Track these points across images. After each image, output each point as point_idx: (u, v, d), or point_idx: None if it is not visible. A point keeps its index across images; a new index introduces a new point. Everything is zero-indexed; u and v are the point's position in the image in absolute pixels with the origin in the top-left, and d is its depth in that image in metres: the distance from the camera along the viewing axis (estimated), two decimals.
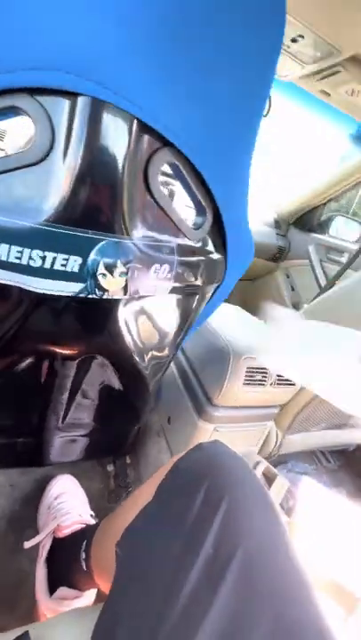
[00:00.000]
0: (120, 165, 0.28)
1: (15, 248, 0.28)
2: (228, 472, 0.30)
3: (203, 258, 0.41)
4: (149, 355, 0.49)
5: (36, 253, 0.29)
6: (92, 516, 0.61)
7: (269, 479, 0.69)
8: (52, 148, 0.27)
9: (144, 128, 0.28)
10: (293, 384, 0.64)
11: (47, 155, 0.27)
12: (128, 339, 0.43)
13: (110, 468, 0.84)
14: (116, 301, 0.37)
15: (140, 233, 0.32)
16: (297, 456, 1.08)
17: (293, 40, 0.66)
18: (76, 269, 0.31)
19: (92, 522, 0.58)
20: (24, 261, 0.29)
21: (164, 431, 0.77)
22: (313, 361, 0.46)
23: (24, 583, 0.58)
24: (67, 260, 0.30)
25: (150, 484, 0.38)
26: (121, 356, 0.45)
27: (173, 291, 0.40)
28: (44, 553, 0.55)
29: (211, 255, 0.42)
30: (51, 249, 0.29)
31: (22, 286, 0.31)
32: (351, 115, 0.93)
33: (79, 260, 0.30)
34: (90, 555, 0.46)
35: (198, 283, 0.42)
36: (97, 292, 0.33)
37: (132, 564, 0.29)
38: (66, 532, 0.55)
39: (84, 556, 0.47)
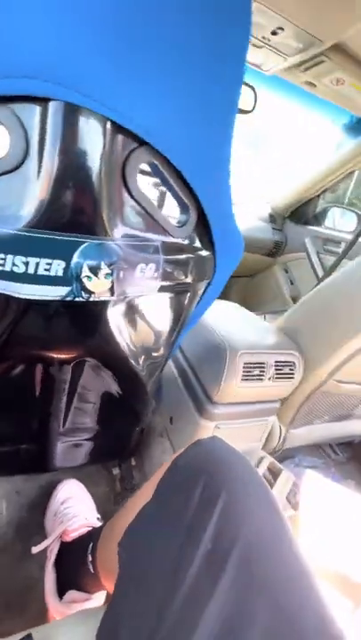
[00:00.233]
0: (96, 167, 0.28)
1: None
2: (225, 467, 0.30)
3: (191, 255, 0.41)
4: (144, 355, 0.49)
5: (19, 259, 0.29)
6: (98, 519, 0.61)
7: (274, 474, 0.68)
8: (27, 154, 0.27)
9: (118, 129, 0.28)
10: (292, 377, 0.63)
11: (23, 161, 0.27)
12: (121, 340, 0.43)
13: (116, 471, 0.84)
14: (105, 303, 0.37)
15: (121, 233, 0.32)
16: (304, 450, 1.07)
17: (274, 33, 0.66)
18: (60, 273, 0.31)
19: (99, 525, 0.59)
20: (7, 268, 0.29)
21: (167, 431, 0.77)
22: None
23: (33, 589, 0.58)
24: (50, 264, 0.30)
25: (151, 482, 0.38)
26: (115, 358, 0.45)
27: (162, 289, 0.40)
28: (52, 557, 0.55)
29: (199, 252, 0.42)
30: (33, 254, 0.29)
31: (8, 293, 0.31)
32: (338, 104, 0.92)
33: (62, 263, 0.31)
34: (96, 557, 0.46)
35: (188, 280, 0.42)
36: (83, 295, 0.33)
37: (133, 564, 0.29)
38: (73, 535, 0.55)
39: (90, 558, 0.47)
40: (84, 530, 0.56)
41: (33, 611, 0.56)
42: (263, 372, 0.60)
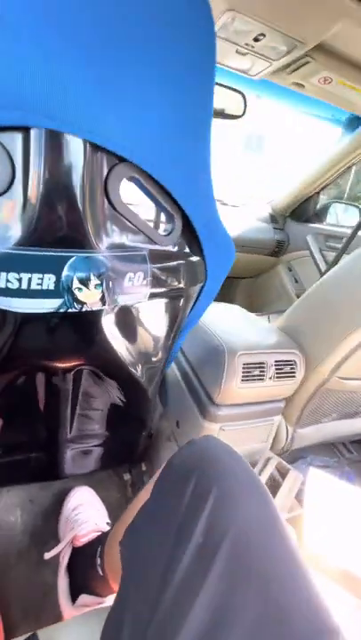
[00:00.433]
0: (79, 185, 0.30)
1: None
2: (217, 463, 0.31)
3: (182, 261, 0.42)
4: (142, 360, 0.50)
5: (12, 276, 0.31)
6: (108, 524, 0.62)
7: (282, 474, 0.68)
8: (13, 178, 0.29)
9: (98, 148, 0.30)
10: (294, 376, 0.63)
11: (10, 185, 0.29)
12: (118, 346, 0.44)
13: (127, 476, 0.86)
14: (99, 312, 0.38)
15: (107, 245, 0.34)
16: (317, 450, 1.06)
17: (256, 39, 0.67)
18: (51, 287, 0.33)
19: (108, 529, 0.60)
20: (2, 284, 0.31)
21: (174, 435, 0.78)
22: None
23: (48, 595, 0.59)
24: (41, 278, 0.32)
25: (151, 483, 0.39)
26: (114, 365, 0.47)
27: (153, 296, 0.41)
28: (64, 563, 0.57)
29: (190, 258, 0.43)
30: (25, 270, 0.31)
31: (4, 308, 0.33)
32: (329, 102, 0.92)
33: (53, 277, 0.32)
34: (104, 559, 0.47)
35: (181, 285, 0.44)
36: (76, 306, 0.35)
37: (133, 562, 0.30)
38: (83, 540, 0.57)
39: (99, 561, 0.48)
40: (94, 535, 0.57)
41: (49, 616, 0.58)
42: (263, 371, 0.60)
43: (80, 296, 0.34)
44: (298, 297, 1.49)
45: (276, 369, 0.61)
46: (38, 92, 0.25)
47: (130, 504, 0.43)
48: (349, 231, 1.44)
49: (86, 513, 0.64)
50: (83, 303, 0.35)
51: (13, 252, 0.30)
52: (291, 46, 0.69)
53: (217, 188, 0.40)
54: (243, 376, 0.58)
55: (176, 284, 0.43)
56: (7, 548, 0.65)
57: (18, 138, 0.27)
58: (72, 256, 0.32)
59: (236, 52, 0.73)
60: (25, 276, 0.31)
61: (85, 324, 0.39)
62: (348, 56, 0.72)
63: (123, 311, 0.41)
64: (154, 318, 0.47)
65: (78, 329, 0.40)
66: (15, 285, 0.32)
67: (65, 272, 0.32)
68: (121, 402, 0.57)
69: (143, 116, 0.29)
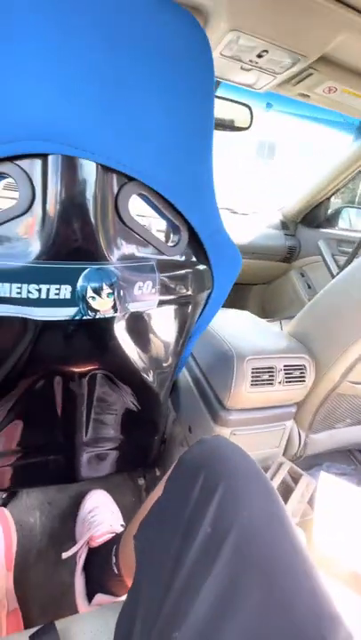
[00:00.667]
0: (91, 204, 0.33)
1: (15, 285, 0.34)
2: (225, 461, 0.32)
3: (190, 270, 0.45)
4: (153, 365, 0.52)
5: (33, 287, 0.34)
6: (122, 526, 0.64)
7: (295, 479, 0.68)
8: (33, 199, 0.32)
9: (108, 169, 0.33)
10: (303, 381, 0.64)
11: (30, 206, 0.32)
12: (130, 351, 0.47)
13: (141, 481, 0.87)
14: (112, 319, 0.41)
15: (118, 256, 0.37)
16: (332, 457, 1.04)
17: (259, 55, 0.70)
18: (68, 296, 0.36)
19: (122, 531, 0.61)
20: (24, 295, 0.34)
21: (187, 440, 0.79)
22: None
23: (66, 595, 0.61)
24: (59, 289, 0.35)
25: (162, 481, 0.41)
26: (126, 369, 0.49)
27: (163, 303, 0.43)
28: (80, 563, 0.58)
29: (197, 266, 0.46)
30: (44, 282, 0.34)
31: (26, 316, 0.36)
32: (335, 110, 0.94)
33: (69, 287, 0.35)
34: (119, 557, 0.49)
35: (189, 292, 0.46)
36: (90, 313, 0.38)
37: (146, 553, 0.32)
38: (98, 541, 0.58)
39: (114, 559, 0.50)
40: (109, 536, 0.59)
41: (65, 614, 0.59)
42: (273, 376, 0.61)
43: (94, 304, 0.37)
44: None
45: (286, 373, 0.62)
46: (56, 123, 0.28)
47: (144, 503, 0.45)
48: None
49: (102, 515, 0.66)
50: (96, 311, 0.38)
51: (34, 265, 0.33)
52: (294, 60, 0.72)
53: (227, 196, 0.42)
54: (252, 380, 0.59)
55: (184, 291, 0.45)
56: (27, 547, 0.68)
57: (37, 163, 0.31)
58: (86, 267, 0.35)
59: (241, 68, 0.76)
60: (44, 287, 0.34)
61: (99, 330, 0.42)
62: (352, 65, 0.74)
63: (133, 318, 0.44)
64: (163, 324, 0.49)
65: (92, 335, 0.43)
66: (35, 295, 0.35)
67: (80, 282, 0.35)
68: (134, 406, 0.59)
69: (149, 140, 0.32)
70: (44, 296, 0.35)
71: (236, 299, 1.77)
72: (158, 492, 0.38)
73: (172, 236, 0.43)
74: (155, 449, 0.73)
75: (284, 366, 0.61)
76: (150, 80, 0.29)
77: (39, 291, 0.35)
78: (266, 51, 0.68)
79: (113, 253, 0.36)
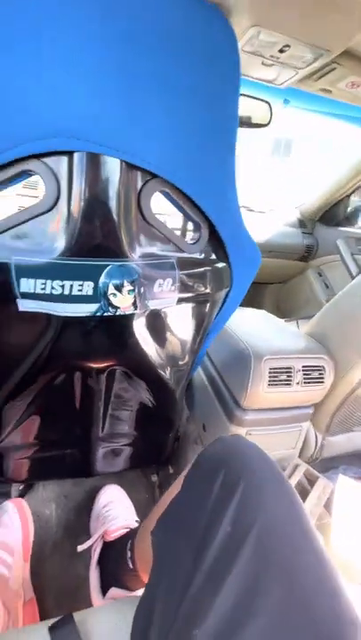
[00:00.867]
0: (115, 201, 0.33)
1: (39, 281, 0.35)
2: (244, 459, 0.32)
3: (208, 268, 0.44)
4: (170, 362, 0.52)
5: (57, 283, 0.35)
6: (136, 521, 0.65)
7: (311, 481, 0.67)
8: (59, 196, 0.32)
9: (132, 166, 0.33)
10: (322, 382, 0.63)
11: (56, 203, 0.33)
12: (148, 348, 0.47)
13: (154, 478, 0.88)
14: (131, 316, 0.41)
15: (140, 254, 0.37)
16: (350, 460, 1.02)
17: (281, 50, 0.69)
18: (90, 292, 0.36)
19: (137, 526, 0.62)
20: (48, 291, 0.35)
21: (201, 439, 0.79)
22: None
23: (80, 586, 0.62)
24: (82, 285, 0.36)
25: (180, 478, 0.41)
26: (144, 366, 0.49)
27: (182, 301, 0.43)
28: (95, 556, 0.59)
29: (216, 264, 0.45)
30: (67, 278, 0.35)
31: (49, 312, 0.37)
32: (358, 104, 0.91)
33: (92, 284, 0.36)
34: (134, 551, 0.49)
35: (207, 291, 0.46)
36: (110, 310, 0.38)
37: (165, 547, 0.32)
38: (113, 535, 0.59)
39: (129, 554, 0.50)
40: (124, 531, 0.60)
41: (80, 606, 0.60)
42: (291, 376, 0.60)
43: (115, 301, 0.37)
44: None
45: (304, 374, 0.61)
46: (83, 121, 0.29)
47: (160, 499, 0.45)
48: None
49: (116, 510, 0.66)
50: (117, 307, 0.38)
51: (58, 261, 0.34)
52: (317, 55, 0.70)
53: (243, 194, 0.42)
54: (269, 380, 0.59)
55: (202, 289, 0.45)
56: (43, 539, 0.69)
57: (64, 161, 0.31)
58: (108, 265, 0.35)
59: (262, 63, 0.75)
60: (67, 284, 0.35)
61: (118, 326, 0.42)
62: None
63: (152, 315, 0.44)
64: (181, 322, 0.49)
65: (112, 331, 0.43)
66: (59, 291, 0.35)
67: (102, 279, 0.36)
68: (150, 402, 0.59)
69: (174, 136, 0.32)
70: (67, 292, 0.36)
71: (252, 298, 1.76)
72: (175, 488, 0.38)
73: (192, 233, 0.43)
74: (169, 446, 0.73)
75: (303, 367, 0.61)
76: (180, 79, 0.29)
77: (62, 287, 0.35)
78: (288, 45, 0.67)
79: (135, 250, 0.36)
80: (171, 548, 0.31)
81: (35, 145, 0.29)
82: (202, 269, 0.44)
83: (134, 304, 0.39)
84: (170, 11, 0.27)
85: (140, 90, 0.29)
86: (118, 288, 0.37)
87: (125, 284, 0.37)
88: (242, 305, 0.61)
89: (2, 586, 0.51)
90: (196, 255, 0.43)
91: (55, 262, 0.34)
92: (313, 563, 0.25)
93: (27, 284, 0.34)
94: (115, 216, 0.34)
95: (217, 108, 0.33)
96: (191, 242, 0.42)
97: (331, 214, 1.48)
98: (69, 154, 0.31)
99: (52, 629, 0.33)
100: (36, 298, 0.36)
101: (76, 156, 0.31)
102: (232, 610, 0.23)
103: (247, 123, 1.04)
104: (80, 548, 0.60)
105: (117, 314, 0.39)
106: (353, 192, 1.43)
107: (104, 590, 0.56)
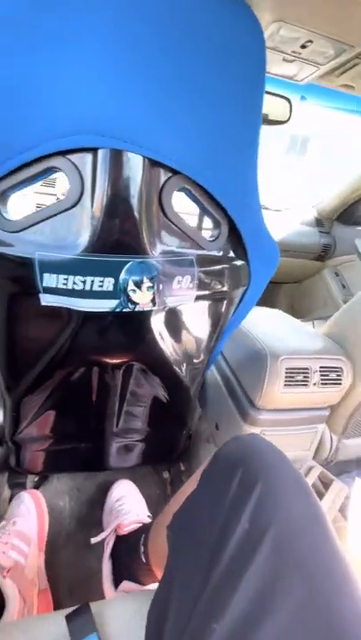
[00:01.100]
0: (137, 198, 0.33)
1: (62, 276, 0.35)
2: (261, 458, 0.32)
3: (226, 265, 0.44)
4: (186, 360, 0.52)
5: (79, 279, 0.35)
6: (149, 516, 0.65)
7: (325, 484, 0.66)
8: (82, 193, 0.33)
9: (155, 163, 0.33)
10: (340, 383, 0.62)
11: (79, 199, 0.33)
12: (164, 345, 0.47)
13: (166, 475, 0.88)
14: (149, 312, 0.41)
15: (160, 251, 0.37)
16: None
17: (303, 46, 0.67)
18: (110, 288, 0.37)
19: (149, 521, 0.62)
20: (69, 286, 0.36)
21: (213, 437, 0.79)
22: None
23: (93, 578, 0.63)
24: (102, 281, 0.36)
25: (195, 476, 0.41)
26: (160, 363, 0.50)
27: (199, 298, 0.43)
28: (107, 550, 0.60)
29: (234, 262, 0.45)
30: (89, 274, 0.35)
31: (70, 307, 0.38)
32: None
33: (112, 280, 0.36)
34: (147, 546, 0.50)
35: (225, 288, 0.45)
36: (129, 306, 0.38)
37: (181, 543, 0.32)
38: (126, 529, 0.60)
39: (142, 549, 0.51)
40: (136, 525, 0.60)
41: (93, 598, 0.61)
42: (307, 377, 0.59)
43: (134, 297, 0.38)
44: (345, 303, 1.42)
45: (322, 375, 0.60)
46: (108, 118, 0.29)
47: (174, 495, 0.45)
48: None
49: (129, 504, 0.67)
50: (136, 303, 0.38)
51: (80, 257, 0.34)
52: (339, 50, 0.68)
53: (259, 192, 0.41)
54: (285, 381, 0.58)
55: (220, 287, 0.45)
56: (57, 529, 0.70)
57: (88, 157, 0.32)
58: (129, 261, 0.36)
59: (283, 59, 0.74)
60: (89, 279, 0.35)
61: (137, 322, 0.43)
62: None
63: (170, 312, 0.44)
64: (198, 320, 0.49)
65: (130, 327, 0.44)
66: (80, 287, 0.36)
67: (122, 275, 0.36)
68: (165, 399, 0.60)
69: (197, 134, 0.32)
70: (88, 288, 0.36)
71: (266, 297, 1.73)
72: (190, 485, 0.38)
73: (211, 230, 0.43)
74: (181, 444, 0.73)
75: (321, 367, 0.60)
76: (207, 77, 0.29)
77: (84, 282, 0.36)
78: (310, 41, 0.66)
79: (155, 247, 0.37)
80: (187, 544, 0.31)
81: (61, 142, 0.30)
82: (220, 267, 0.44)
83: (153, 300, 0.39)
84: (197, 7, 0.27)
85: (166, 87, 0.29)
86: (138, 284, 0.37)
87: (145, 280, 0.37)
88: (256, 304, 0.60)
89: (18, 574, 0.52)
90: (215, 252, 0.43)
91: (78, 258, 0.34)
92: (332, 564, 0.25)
93: (49, 279, 0.35)
94: (136, 213, 0.34)
95: (244, 106, 0.32)
96: (210, 239, 0.41)
97: (349, 213, 1.45)
98: (93, 151, 0.31)
99: (68, 618, 0.34)
100: (58, 293, 0.36)
101: (100, 152, 0.31)
102: (250, 606, 0.23)
103: (265, 119, 1.03)
104: (94, 540, 0.61)
105: (136, 310, 0.39)
106: None
107: (116, 583, 0.56)
